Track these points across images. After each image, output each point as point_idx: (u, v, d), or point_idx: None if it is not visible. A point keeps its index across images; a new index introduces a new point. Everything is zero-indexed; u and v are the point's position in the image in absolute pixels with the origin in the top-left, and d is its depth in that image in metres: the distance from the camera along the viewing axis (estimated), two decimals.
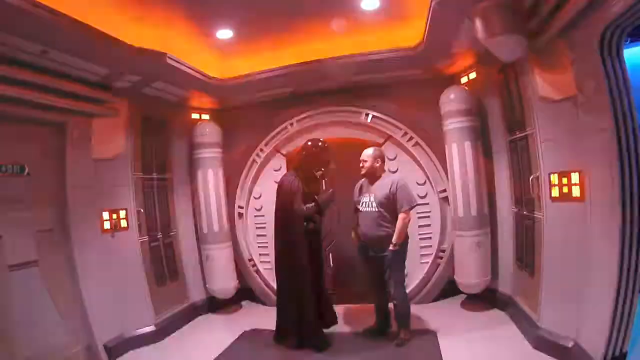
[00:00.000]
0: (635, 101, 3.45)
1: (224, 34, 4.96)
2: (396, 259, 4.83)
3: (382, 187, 4.93)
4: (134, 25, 4.36)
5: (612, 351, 3.56)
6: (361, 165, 5.04)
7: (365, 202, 4.99)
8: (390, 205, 4.85)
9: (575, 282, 3.95)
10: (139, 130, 5.69)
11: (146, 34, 4.51)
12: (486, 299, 5.70)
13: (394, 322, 5.19)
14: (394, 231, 4.77)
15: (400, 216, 4.77)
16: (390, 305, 5.10)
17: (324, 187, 5.76)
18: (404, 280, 5.19)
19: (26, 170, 4.51)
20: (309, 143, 5.33)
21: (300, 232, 5.03)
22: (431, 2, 3.95)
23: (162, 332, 5.61)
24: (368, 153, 5.04)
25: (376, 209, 4.88)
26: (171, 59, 4.78)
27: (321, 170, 5.28)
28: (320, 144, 5.30)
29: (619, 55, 3.45)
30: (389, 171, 5.86)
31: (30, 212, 4.53)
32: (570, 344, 3.97)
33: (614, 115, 3.39)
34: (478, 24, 3.98)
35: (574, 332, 3.97)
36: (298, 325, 5.05)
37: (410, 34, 5.01)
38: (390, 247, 4.74)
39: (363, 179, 5.17)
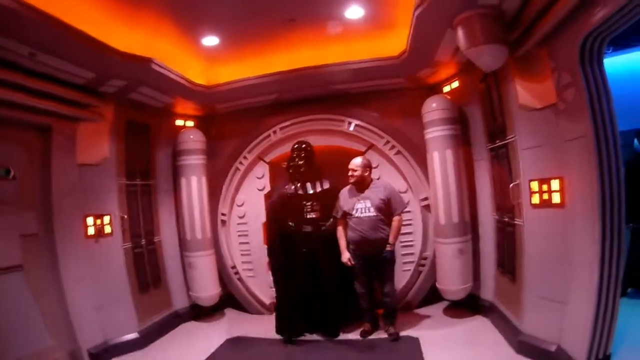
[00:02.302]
0: (619, 109, 3.54)
1: (210, 40, 4.98)
2: (392, 258, 5.31)
3: (376, 193, 5.27)
4: (122, 30, 4.37)
5: (596, 354, 3.63)
6: (350, 174, 5.28)
7: (362, 208, 5.20)
8: (386, 210, 5.24)
9: (557, 287, 4.01)
10: (123, 136, 5.66)
11: (133, 40, 4.51)
12: (469, 305, 5.75)
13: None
14: (389, 233, 5.18)
15: (396, 218, 5.26)
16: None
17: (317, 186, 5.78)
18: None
19: (12, 174, 4.47)
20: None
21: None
22: (414, 11, 3.99)
23: (146, 339, 5.55)
24: (357, 162, 5.30)
25: (375, 214, 5.18)
26: (157, 64, 4.78)
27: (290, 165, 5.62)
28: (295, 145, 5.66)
29: (600, 63, 3.54)
30: (377, 178, 6.01)
31: (15, 216, 4.50)
32: (553, 348, 4.01)
33: (593, 122, 3.48)
34: (460, 33, 4.05)
35: (556, 336, 4.01)
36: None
37: (393, 43, 5.08)
38: (388, 247, 5.18)
39: (346, 188, 5.39)
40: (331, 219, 5.52)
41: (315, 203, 5.57)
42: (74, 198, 5.08)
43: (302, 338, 5.52)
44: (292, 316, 5.51)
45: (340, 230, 5.38)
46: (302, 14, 4.58)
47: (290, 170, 5.69)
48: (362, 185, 5.32)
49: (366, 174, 5.34)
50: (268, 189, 6.67)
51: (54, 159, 4.89)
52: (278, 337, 5.54)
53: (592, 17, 3.14)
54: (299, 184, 5.64)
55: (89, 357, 4.91)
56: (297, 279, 5.51)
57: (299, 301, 5.50)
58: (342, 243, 5.33)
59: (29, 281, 4.54)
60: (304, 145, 5.74)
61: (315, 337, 5.51)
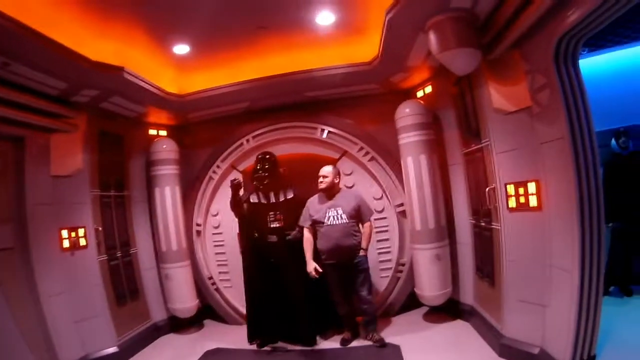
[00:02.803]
0: (596, 110, 3.55)
1: (181, 49, 4.89)
2: (366, 264, 5.34)
3: (346, 200, 5.30)
4: (93, 39, 4.27)
5: (580, 355, 3.62)
6: (320, 180, 5.28)
7: (333, 216, 5.20)
8: (357, 217, 5.30)
9: (537, 289, 4.02)
10: (96, 146, 5.55)
11: (105, 48, 4.42)
12: (449, 310, 5.73)
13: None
14: (360, 239, 5.27)
15: (367, 224, 5.34)
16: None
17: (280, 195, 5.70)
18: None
19: None
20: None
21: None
22: (386, 15, 3.96)
23: (125, 353, 5.43)
24: (328, 170, 5.33)
25: (347, 220, 5.21)
26: (128, 73, 4.67)
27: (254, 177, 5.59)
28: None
29: (575, 64, 3.56)
30: (345, 186, 6.06)
31: None
32: (536, 351, 4.00)
33: (569, 124, 3.48)
34: (432, 37, 4.03)
35: (539, 339, 4.01)
36: None
37: (365, 48, 5.04)
38: (362, 252, 5.25)
39: (314, 197, 5.41)
40: (296, 228, 5.47)
41: (278, 212, 5.51)
42: (48, 210, 5.00)
43: (282, 347, 5.47)
44: (262, 325, 5.49)
45: (307, 239, 5.33)
46: (272, 21, 4.52)
47: (254, 182, 5.62)
48: (331, 192, 5.34)
49: (336, 180, 5.41)
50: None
51: (27, 171, 4.81)
52: (255, 347, 5.50)
53: (566, 18, 3.14)
54: (262, 194, 5.59)
55: None
56: (265, 288, 5.48)
57: (268, 311, 5.47)
58: (309, 254, 5.27)
59: (5, 296, 4.46)
60: (267, 156, 5.68)
61: (295, 347, 5.43)
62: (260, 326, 5.50)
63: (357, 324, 5.56)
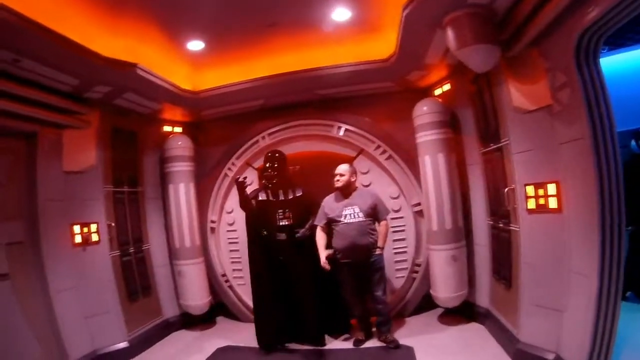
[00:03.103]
0: (615, 109, 3.44)
1: (195, 45, 4.86)
2: (382, 263, 5.29)
3: (363, 199, 5.26)
4: (106, 36, 4.26)
5: None
6: (337, 179, 5.26)
7: (350, 214, 5.16)
8: (374, 215, 5.25)
9: (555, 294, 3.91)
10: (109, 143, 5.56)
11: (118, 45, 4.41)
12: (464, 312, 5.65)
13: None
14: (377, 238, 5.21)
15: (383, 223, 5.28)
16: None
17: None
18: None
19: None
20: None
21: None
22: (403, 12, 3.89)
23: (136, 348, 5.46)
24: (344, 168, 5.31)
25: (364, 219, 5.15)
26: (142, 69, 4.66)
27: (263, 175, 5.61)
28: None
29: (596, 62, 3.43)
30: (362, 185, 6.03)
31: (0, 224, 4.45)
32: (551, 357, 3.91)
33: (590, 123, 3.36)
34: (450, 34, 3.94)
35: (554, 345, 3.91)
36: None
37: (382, 45, 4.98)
38: (378, 251, 5.20)
39: (330, 196, 5.38)
40: (306, 226, 5.43)
41: (287, 210, 5.47)
42: (60, 206, 5.01)
43: (294, 347, 5.43)
44: (271, 326, 5.46)
45: (320, 235, 5.30)
46: (288, 17, 4.48)
47: (263, 181, 5.62)
48: (347, 190, 5.30)
49: (353, 179, 5.36)
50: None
51: (39, 167, 4.82)
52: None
53: (587, 14, 3.03)
54: (270, 192, 5.56)
55: None
56: (273, 287, 5.46)
57: (276, 310, 5.45)
58: (322, 246, 5.25)
59: (15, 290, 4.50)
60: (277, 155, 5.66)
61: (306, 347, 5.40)
62: (269, 327, 5.47)
63: (370, 325, 5.51)
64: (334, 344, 5.43)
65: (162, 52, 4.94)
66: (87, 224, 5.23)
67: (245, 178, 5.14)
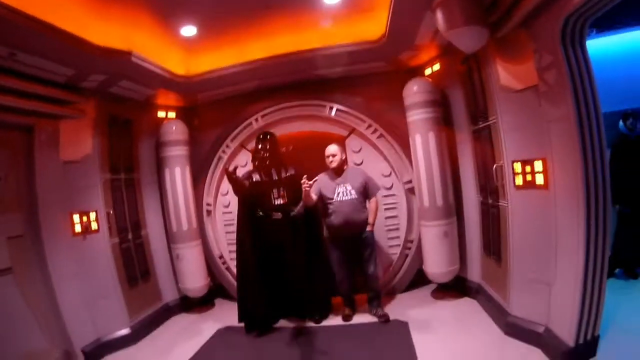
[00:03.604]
0: (604, 91, 3.52)
1: (188, 30, 4.86)
2: (373, 239, 5.54)
3: (354, 177, 5.47)
4: (99, 24, 4.25)
5: (584, 335, 3.66)
6: (330, 160, 5.40)
7: (343, 192, 5.34)
8: (365, 193, 5.47)
9: (543, 268, 4.04)
10: (105, 130, 5.58)
11: (111, 33, 4.41)
12: (456, 287, 5.80)
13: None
14: (368, 215, 5.42)
15: (373, 200, 5.51)
16: None
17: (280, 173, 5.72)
18: None
19: None
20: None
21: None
22: None
23: (137, 334, 5.55)
24: (335, 148, 5.43)
25: (356, 196, 5.36)
26: (136, 57, 4.67)
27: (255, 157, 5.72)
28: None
29: (582, 44, 3.51)
30: (354, 163, 6.24)
31: (0, 218, 4.47)
32: (541, 330, 4.05)
33: (575, 103, 3.45)
34: (439, 15, 3.98)
35: (544, 318, 4.05)
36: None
37: (373, 26, 5.00)
38: (369, 228, 5.41)
39: (323, 174, 5.51)
40: (300, 204, 5.45)
41: (282, 189, 5.55)
42: (59, 196, 5.03)
43: (288, 325, 5.57)
44: (259, 304, 5.52)
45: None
46: (281, 0, 4.49)
47: (256, 162, 5.69)
48: (340, 170, 5.44)
49: (344, 158, 5.56)
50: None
51: (37, 158, 4.83)
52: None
53: None
54: (263, 173, 5.62)
55: (83, 356, 4.92)
56: (265, 267, 5.55)
57: (266, 291, 5.54)
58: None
59: (18, 283, 4.52)
60: (267, 136, 5.72)
61: (298, 324, 5.56)
62: (257, 309, 5.53)
63: (355, 301, 5.73)
64: (327, 320, 5.58)
65: (155, 38, 4.93)
66: (86, 213, 5.27)
67: (236, 167, 5.15)
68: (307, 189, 4.99)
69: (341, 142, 6.26)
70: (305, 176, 4.99)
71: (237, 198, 5.68)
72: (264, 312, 5.52)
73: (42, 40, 3.74)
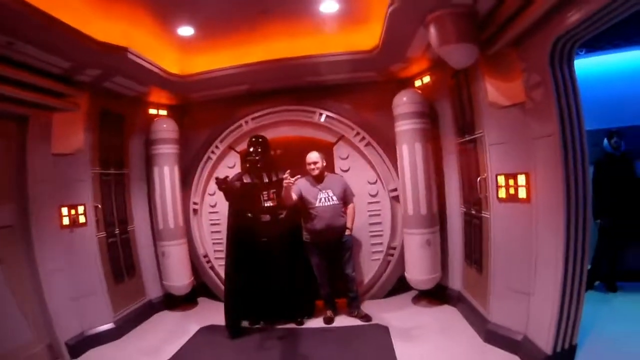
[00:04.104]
0: (591, 109, 3.65)
1: (185, 31, 4.92)
2: (351, 243, 5.74)
3: (334, 184, 5.64)
4: (98, 19, 4.29)
5: (562, 344, 3.80)
6: (312, 167, 5.53)
7: (325, 198, 5.47)
8: (344, 199, 5.64)
9: (523, 278, 4.18)
10: (97, 125, 5.60)
11: (109, 28, 4.44)
12: (437, 295, 5.91)
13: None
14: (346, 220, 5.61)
15: (351, 206, 5.73)
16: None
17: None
18: None
19: None
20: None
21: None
22: (388, 8, 4.02)
23: (121, 329, 5.57)
24: (316, 156, 5.59)
25: (337, 202, 5.52)
26: (132, 54, 4.70)
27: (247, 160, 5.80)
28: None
29: (570, 65, 3.67)
30: (341, 170, 6.42)
31: None
32: (519, 338, 4.19)
33: (560, 122, 3.60)
34: (432, 31, 4.10)
35: (523, 326, 4.19)
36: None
37: (366, 37, 5.11)
38: (347, 232, 5.60)
39: (303, 179, 5.50)
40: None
41: (272, 192, 5.65)
42: (48, 188, 5.02)
43: (271, 327, 5.63)
44: (246, 307, 5.65)
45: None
46: (277, 7, 4.56)
47: (247, 165, 5.79)
48: (321, 176, 5.58)
49: (324, 165, 5.67)
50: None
51: (29, 149, 4.81)
52: (246, 325, 5.72)
53: (565, 20, 3.22)
54: (254, 175, 5.71)
55: (66, 349, 4.90)
56: (255, 268, 5.63)
57: (254, 291, 5.64)
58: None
59: (5, 274, 4.50)
60: (260, 139, 5.81)
61: (283, 326, 5.62)
62: (241, 311, 5.63)
63: (336, 304, 5.84)
64: (309, 323, 5.67)
65: (152, 36, 4.97)
66: (75, 206, 5.28)
67: (226, 177, 5.24)
68: (289, 184, 5.04)
69: (329, 148, 6.39)
70: (288, 171, 5.04)
71: (225, 198, 5.73)
72: (248, 314, 5.63)
73: (40, 31, 3.75)
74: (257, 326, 5.67)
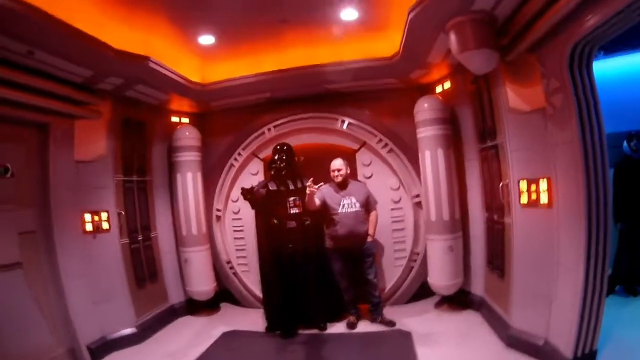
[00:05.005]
0: (610, 111, 3.64)
1: (206, 39, 5.03)
2: (374, 249, 5.85)
3: (358, 191, 5.73)
4: (119, 29, 4.41)
5: (582, 349, 3.78)
6: (336, 174, 5.60)
7: (348, 204, 5.55)
8: (366, 205, 5.72)
9: (544, 283, 4.16)
10: (120, 133, 5.71)
11: (130, 38, 4.55)
12: (459, 300, 5.90)
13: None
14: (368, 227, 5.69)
15: (374, 213, 5.81)
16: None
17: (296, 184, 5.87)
18: None
19: (10, 171, 4.49)
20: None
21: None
22: (408, 15, 4.06)
23: (143, 334, 5.64)
24: (340, 163, 5.66)
25: (360, 209, 5.62)
26: (154, 62, 4.82)
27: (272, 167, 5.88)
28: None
29: (589, 70, 3.67)
30: (364, 176, 6.42)
31: (13, 214, 4.54)
32: (541, 342, 4.17)
33: (580, 127, 3.60)
34: (452, 38, 4.14)
35: (544, 331, 4.17)
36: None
37: (386, 44, 5.17)
38: (369, 239, 5.66)
39: (327, 185, 5.58)
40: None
41: (297, 199, 5.71)
42: (71, 194, 5.11)
43: (294, 332, 5.64)
44: (283, 313, 5.68)
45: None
46: (297, 15, 4.64)
47: (272, 172, 5.86)
48: (344, 183, 5.63)
49: (348, 172, 5.75)
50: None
51: (51, 156, 4.91)
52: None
53: (583, 24, 3.23)
54: (279, 182, 5.78)
55: (88, 352, 4.97)
56: (284, 274, 5.69)
57: (287, 297, 5.68)
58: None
59: (27, 278, 4.58)
60: (285, 148, 5.92)
61: (306, 331, 5.63)
62: (282, 317, 5.68)
63: (359, 309, 5.87)
64: (331, 328, 5.69)
65: (173, 45, 5.10)
66: (98, 212, 5.39)
67: (252, 187, 5.44)
68: (313, 191, 5.17)
69: (352, 155, 6.43)
70: (311, 179, 5.17)
71: (249, 205, 5.81)
72: (285, 317, 5.67)
73: (61, 41, 3.84)
74: (292, 331, 5.66)
